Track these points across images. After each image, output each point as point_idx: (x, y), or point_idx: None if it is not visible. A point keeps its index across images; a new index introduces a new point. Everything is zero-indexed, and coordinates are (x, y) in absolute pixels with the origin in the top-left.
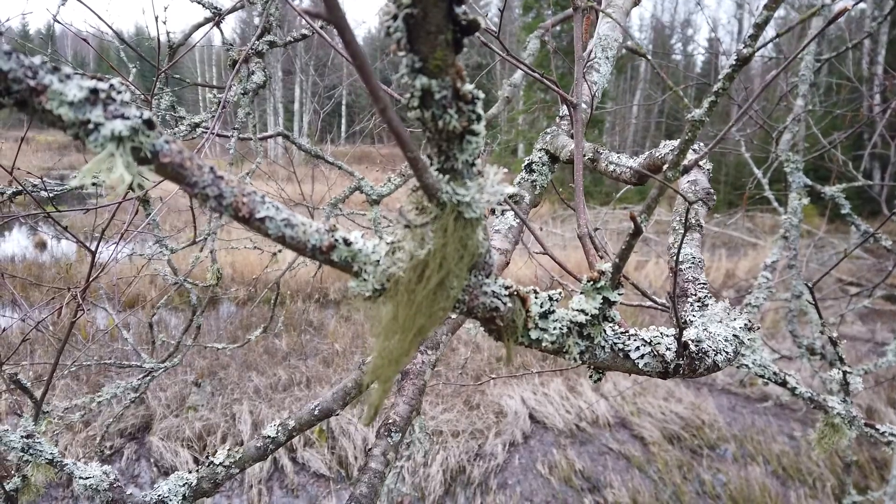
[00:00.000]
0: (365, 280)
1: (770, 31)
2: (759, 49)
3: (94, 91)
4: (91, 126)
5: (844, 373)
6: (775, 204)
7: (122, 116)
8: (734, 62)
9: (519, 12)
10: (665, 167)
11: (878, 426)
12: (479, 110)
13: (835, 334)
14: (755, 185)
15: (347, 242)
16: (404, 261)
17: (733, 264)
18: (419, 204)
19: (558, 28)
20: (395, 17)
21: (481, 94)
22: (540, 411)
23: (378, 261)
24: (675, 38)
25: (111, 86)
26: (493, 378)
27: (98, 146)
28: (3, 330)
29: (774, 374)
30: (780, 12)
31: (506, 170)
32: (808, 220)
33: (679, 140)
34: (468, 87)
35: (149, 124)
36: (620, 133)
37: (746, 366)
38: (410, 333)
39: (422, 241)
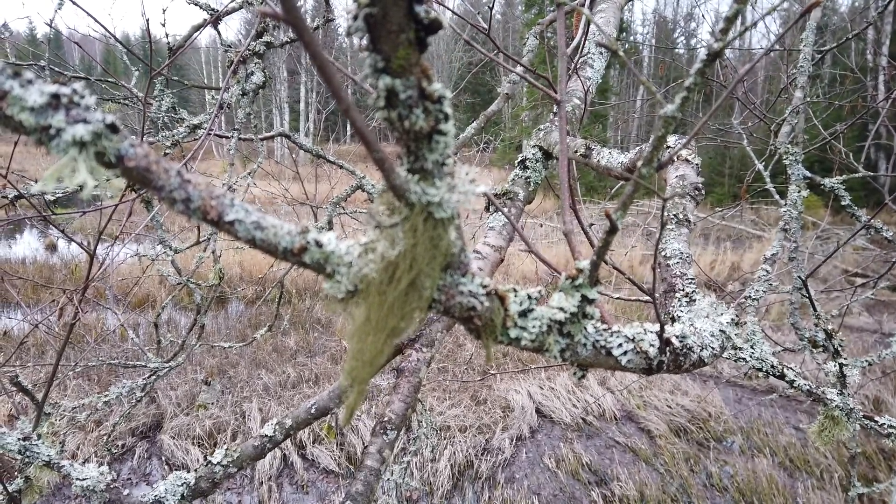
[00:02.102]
0: (338, 282)
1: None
2: (728, 43)
3: (56, 96)
4: (53, 131)
5: (841, 365)
6: (776, 196)
7: (84, 121)
8: (704, 57)
9: (522, 8)
10: (639, 164)
11: (876, 418)
12: (447, 109)
13: (830, 326)
14: (754, 177)
15: (319, 244)
16: (376, 262)
17: (738, 257)
18: (390, 204)
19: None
20: (355, 17)
21: (448, 94)
22: (547, 405)
23: (351, 262)
24: (679, 31)
25: (74, 90)
26: (494, 374)
27: (60, 151)
28: (5, 333)
29: (773, 366)
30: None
31: (508, 166)
32: (814, 211)
33: (652, 137)
34: (435, 86)
35: (112, 128)
36: (623, 127)
37: (744, 359)
38: (383, 334)
39: (392, 242)
